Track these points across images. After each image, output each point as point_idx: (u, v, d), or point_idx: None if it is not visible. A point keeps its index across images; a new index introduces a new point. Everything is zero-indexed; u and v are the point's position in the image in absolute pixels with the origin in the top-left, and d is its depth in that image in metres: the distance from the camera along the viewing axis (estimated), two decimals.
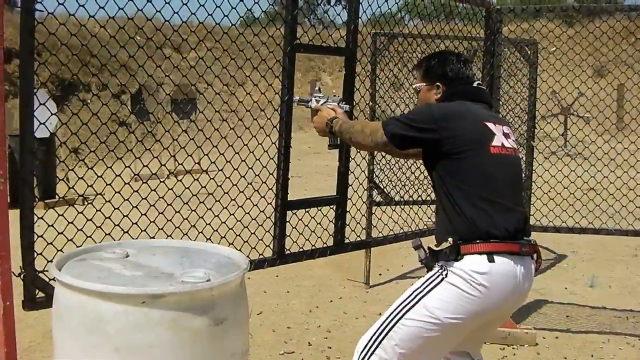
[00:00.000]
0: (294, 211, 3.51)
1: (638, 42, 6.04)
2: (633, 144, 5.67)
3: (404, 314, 2.70)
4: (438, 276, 2.68)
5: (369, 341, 2.76)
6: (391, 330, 2.71)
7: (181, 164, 3.32)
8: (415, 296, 2.71)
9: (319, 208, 3.64)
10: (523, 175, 3.03)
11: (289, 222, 3.49)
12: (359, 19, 3.64)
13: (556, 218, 4.96)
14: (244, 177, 3.39)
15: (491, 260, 2.60)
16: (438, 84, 2.98)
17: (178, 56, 14.84)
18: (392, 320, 2.73)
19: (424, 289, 2.70)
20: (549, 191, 5.10)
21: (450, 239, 2.70)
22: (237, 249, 2.68)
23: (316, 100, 3.27)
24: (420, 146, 2.84)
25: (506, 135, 2.84)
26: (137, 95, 10.73)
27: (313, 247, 3.61)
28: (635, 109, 5.41)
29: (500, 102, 4.95)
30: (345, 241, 3.88)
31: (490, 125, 2.79)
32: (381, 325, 2.74)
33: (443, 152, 2.75)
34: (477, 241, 2.63)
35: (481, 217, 2.65)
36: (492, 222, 2.65)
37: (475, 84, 2.98)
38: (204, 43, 3.53)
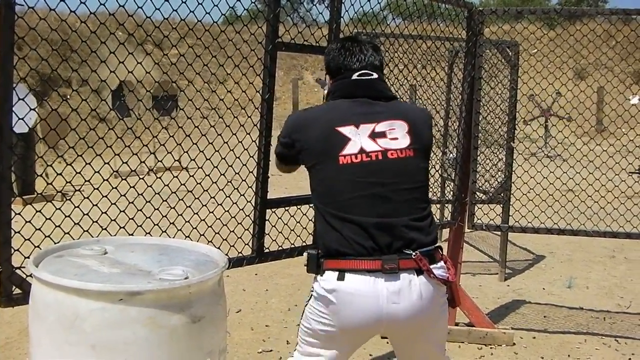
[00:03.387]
0: (273, 209, 3.51)
1: (618, 45, 6.10)
2: (612, 146, 5.72)
3: (301, 321, 2.66)
4: (313, 286, 2.62)
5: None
6: (299, 334, 2.69)
7: (161, 161, 3.30)
8: (305, 303, 2.66)
9: (299, 206, 3.63)
10: (420, 176, 2.58)
11: (268, 220, 3.49)
12: (341, 18, 3.64)
13: (535, 219, 4.99)
14: (223, 174, 3.38)
15: (341, 278, 2.45)
16: (327, 77, 2.71)
17: (159, 53, 14.79)
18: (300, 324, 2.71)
19: (308, 297, 2.64)
20: (528, 192, 5.13)
21: (313, 253, 2.57)
22: (215, 246, 2.68)
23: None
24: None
25: (378, 135, 2.51)
26: (118, 91, 10.66)
27: (292, 246, 3.61)
28: (614, 112, 5.45)
29: (481, 104, 4.97)
30: None
31: (346, 129, 2.50)
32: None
33: (305, 166, 2.62)
34: (335, 257, 2.48)
35: (331, 235, 2.50)
36: (341, 240, 2.47)
37: (356, 75, 2.59)
38: (185, 40, 3.51)
